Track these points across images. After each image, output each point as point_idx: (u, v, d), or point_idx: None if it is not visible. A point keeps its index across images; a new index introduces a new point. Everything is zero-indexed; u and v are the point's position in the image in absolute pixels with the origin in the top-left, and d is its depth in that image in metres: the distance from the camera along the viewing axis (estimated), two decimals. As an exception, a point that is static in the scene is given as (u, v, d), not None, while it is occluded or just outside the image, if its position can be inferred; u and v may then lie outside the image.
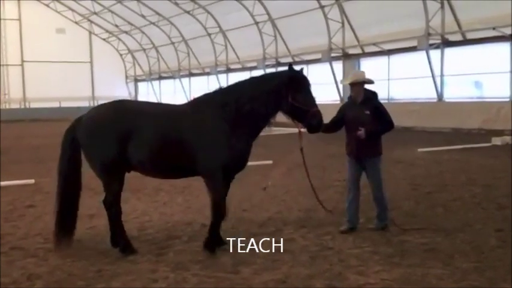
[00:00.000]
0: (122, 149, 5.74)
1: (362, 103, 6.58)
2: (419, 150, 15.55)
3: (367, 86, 6.76)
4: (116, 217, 5.97)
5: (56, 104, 46.26)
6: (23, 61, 48.22)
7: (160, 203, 8.78)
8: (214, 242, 5.97)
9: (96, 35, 51.33)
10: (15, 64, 47.76)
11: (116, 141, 5.73)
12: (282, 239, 6.38)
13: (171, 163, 5.94)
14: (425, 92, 26.06)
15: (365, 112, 6.51)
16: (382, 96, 30.58)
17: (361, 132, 6.46)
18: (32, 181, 10.61)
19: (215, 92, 6.14)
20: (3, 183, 10.54)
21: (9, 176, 11.48)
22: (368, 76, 6.69)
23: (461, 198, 8.77)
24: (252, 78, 6.27)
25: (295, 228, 6.87)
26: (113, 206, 5.92)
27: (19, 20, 48.09)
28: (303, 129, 6.28)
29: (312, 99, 5.94)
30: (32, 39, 47.60)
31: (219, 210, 5.90)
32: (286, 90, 5.81)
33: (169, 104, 6.65)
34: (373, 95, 6.75)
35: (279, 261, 5.61)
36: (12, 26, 47.70)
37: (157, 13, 41.39)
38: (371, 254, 5.76)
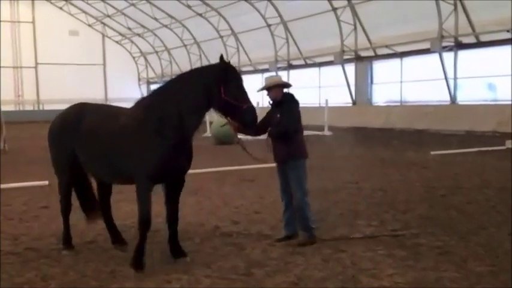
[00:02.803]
0: (71, 152, 5.90)
1: (276, 106, 6.41)
2: (433, 152, 15.44)
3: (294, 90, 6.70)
4: (64, 212, 6.26)
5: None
6: (36, 63, 48.65)
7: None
8: (139, 256, 5.42)
9: (109, 37, 51.67)
10: (29, 66, 48.21)
11: (65, 144, 5.93)
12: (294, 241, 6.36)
13: (106, 168, 5.77)
14: (438, 95, 25.93)
15: (277, 115, 6.39)
16: (395, 98, 30.68)
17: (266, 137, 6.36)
18: (46, 182, 10.68)
19: (146, 96, 5.91)
20: (17, 184, 10.64)
21: (23, 177, 11.58)
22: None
23: (475, 201, 8.69)
24: (181, 75, 5.67)
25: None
26: (61, 201, 6.24)
27: (33, 22, 48.55)
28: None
29: (245, 94, 5.43)
30: (46, 41, 48.03)
31: (142, 221, 5.40)
32: (217, 85, 5.29)
33: (118, 107, 6.19)
34: (288, 97, 6.48)
35: (291, 264, 5.59)
36: (26, 29, 48.18)
37: (170, 16, 41.58)
38: (384, 257, 5.73)
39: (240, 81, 5.46)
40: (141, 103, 5.70)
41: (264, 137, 6.47)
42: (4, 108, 25.82)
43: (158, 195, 8.23)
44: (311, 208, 6.48)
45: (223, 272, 5.35)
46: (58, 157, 6.14)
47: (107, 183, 6.28)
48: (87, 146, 5.78)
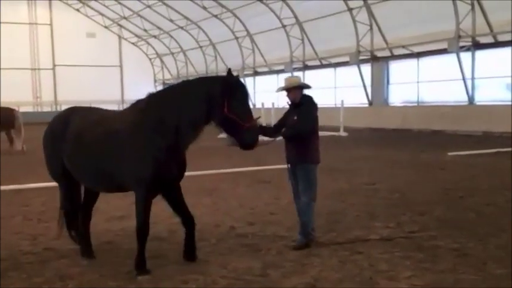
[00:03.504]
0: (60, 158, 5.74)
1: (295, 108, 6.36)
2: (450, 154, 15.31)
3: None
4: (68, 218, 6.04)
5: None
6: (54, 65, 49.16)
7: (189, 205, 8.77)
8: (141, 263, 5.33)
9: (125, 39, 52.04)
10: (47, 68, 48.73)
11: (55, 152, 5.79)
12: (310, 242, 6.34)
13: (95, 175, 5.57)
14: (455, 95, 25.68)
15: (293, 117, 6.33)
16: (411, 99, 30.45)
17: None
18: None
19: (144, 98, 5.49)
20: (35, 184, 10.76)
21: (41, 177, 11.68)
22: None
23: (494, 203, 8.58)
24: (184, 82, 5.50)
25: (323, 232, 6.81)
26: (69, 211, 5.98)
27: (50, 24, 49.07)
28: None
29: (250, 112, 5.15)
30: (63, 43, 48.52)
31: (139, 230, 5.28)
32: (221, 99, 5.01)
33: (109, 111, 6.08)
34: (307, 99, 6.42)
35: (307, 265, 5.58)
36: (44, 31, 48.71)
37: (186, 17, 41.75)
38: (402, 259, 5.68)
39: (247, 98, 5.20)
40: (137, 106, 5.45)
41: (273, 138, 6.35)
42: (23, 109, 26.17)
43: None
44: (325, 212, 6.45)
45: (239, 273, 5.36)
46: (51, 164, 5.98)
47: (94, 191, 6.05)
48: (74, 152, 5.58)
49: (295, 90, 6.29)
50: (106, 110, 6.06)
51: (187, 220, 5.66)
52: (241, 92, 5.15)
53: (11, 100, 33.56)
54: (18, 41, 46.55)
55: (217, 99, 5.04)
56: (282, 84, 6.42)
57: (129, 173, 5.20)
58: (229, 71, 5.24)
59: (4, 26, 45.29)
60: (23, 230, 7.30)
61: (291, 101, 6.33)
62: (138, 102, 5.49)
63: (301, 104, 6.30)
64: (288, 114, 6.40)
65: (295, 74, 34.58)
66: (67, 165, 5.71)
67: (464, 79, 24.58)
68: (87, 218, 6.13)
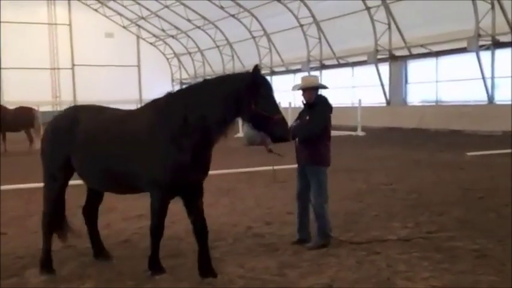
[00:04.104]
0: (66, 158, 5.49)
1: (309, 108, 6.31)
2: (469, 154, 15.13)
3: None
4: (48, 228, 5.69)
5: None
6: (73, 65, 49.63)
7: (206, 205, 8.77)
8: (154, 262, 5.32)
9: (143, 39, 52.35)
10: (66, 68, 49.23)
11: (60, 150, 5.52)
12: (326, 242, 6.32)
13: (107, 176, 5.41)
14: (475, 94, 25.38)
15: (306, 117, 6.25)
16: (430, 98, 30.13)
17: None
18: (81, 182, 10.88)
19: (162, 97, 5.35)
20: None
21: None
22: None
23: (514, 203, 8.47)
24: (208, 81, 5.36)
25: (340, 232, 6.79)
26: (46, 214, 5.70)
27: (70, 25, 49.54)
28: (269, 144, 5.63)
29: (276, 105, 5.14)
30: (82, 43, 48.94)
31: (154, 232, 5.21)
32: (248, 95, 4.96)
33: (120, 110, 5.85)
34: (322, 100, 6.40)
35: (324, 265, 5.56)
36: (63, 31, 49.21)
37: (203, 17, 41.87)
38: (420, 260, 5.64)
39: (271, 92, 5.15)
40: (155, 105, 5.30)
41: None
42: (42, 109, 26.47)
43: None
44: (328, 213, 6.44)
45: (256, 273, 5.37)
46: (51, 164, 5.64)
47: (99, 191, 5.92)
48: (85, 151, 5.39)
49: (310, 90, 6.28)
50: (114, 109, 5.88)
51: (201, 230, 5.33)
52: (265, 88, 5.07)
53: (30, 100, 33.92)
54: (37, 41, 47.10)
55: (242, 96, 4.97)
56: (299, 83, 6.40)
57: (147, 175, 5.05)
58: (256, 66, 5.13)
59: (23, 27, 45.91)
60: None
61: (306, 100, 6.33)
62: (156, 101, 5.34)
63: (316, 104, 6.28)
64: (302, 114, 6.38)
65: (313, 73, 34.52)
66: (75, 164, 5.48)
67: (483, 78, 24.29)
68: (94, 218, 6.01)
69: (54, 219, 5.68)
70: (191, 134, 4.98)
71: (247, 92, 4.97)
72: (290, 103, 24.34)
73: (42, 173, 5.76)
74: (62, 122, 5.69)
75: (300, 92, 6.38)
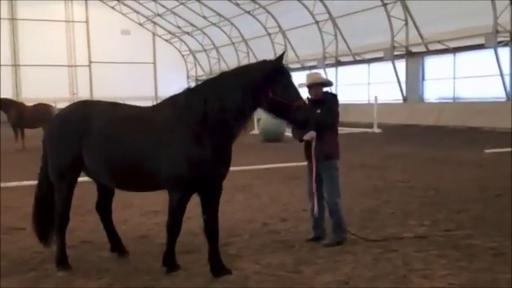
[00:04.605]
0: (76, 155, 5.32)
1: (316, 103, 6.29)
2: (487, 151, 14.97)
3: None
4: (60, 226, 5.57)
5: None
6: (90, 62, 50.04)
7: (221, 201, 8.82)
8: (170, 259, 5.30)
9: (159, 36, 52.58)
10: (83, 65, 49.64)
11: (69, 147, 5.33)
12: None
13: (124, 174, 5.29)
14: (493, 91, 25.09)
15: (316, 110, 6.21)
16: (447, 95, 29.86)
17: (308, 135, 6.12)
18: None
19: (181, 93, 5.28)
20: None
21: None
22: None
23: (533, 201, 8.37)
24: (224, 73, 5.24)
25: (356, 229, 6.76)
26: (59, 214, 5.56)
27: (87, 22, 49.93)
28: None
29: (296, 91, 5.04)
30: (99, 40, 49.30)
31: (171, 231, 5.17)
32: (265, 84, 4.88)
33: (133, 107, 5.70)
34: (329, 96, 6.47)
35: (340, 262, 5.55)
36: (80, 28, 49.61)
37: (218, 14, 41.93)
38: (437, 258, 5.60)
39: (290, 79, 5.04)
40: (174, 102, 5.24)
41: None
42: (59, 105, 26.71)
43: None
44: (342, 209, 6.45)
45: (272, 269, 5.37)
46: (59, 161, 5.43)
47: (109, 189, 5.83)
48: (101, 148, 5.23)
49: (317, 86, 6.32)
50: (125, 105, 5.80)
51: (211, 231, 5.28)
52: (284, 75, 5.00)
53: (48, 96, 34.24)
54: (55, 38, 47.56)
55: (261, 86, 4.90)
56: (304, 81, 6.44)
57: (167, 172, 4.97)
58: (282, 55, 5.08)
59: (41, 24, 46.41)
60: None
61: (313, 96, 6.35)
62: (174, 97, 5.29)
63: (324, 100, 6.33)
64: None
65: (328, 70, 34.39)
66: (88, 161, 5.33)
67: (502, 75, 24.00)
68: (109, 214, 5.98)
69: (66, 217, 5.57)
70: (212, 129, 4.93)
71: (264, 81, 4.89)
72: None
73: (49, 171, 5.56)
74: (72, 117, 5.46)
75: (306, 89, 6.42)
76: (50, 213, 5.68)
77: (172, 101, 5.27)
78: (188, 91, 5.28)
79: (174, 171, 4.96)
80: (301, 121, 5.07)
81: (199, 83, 5.54)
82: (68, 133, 5.36)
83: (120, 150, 5.18)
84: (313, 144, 6.17)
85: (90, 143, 5.25)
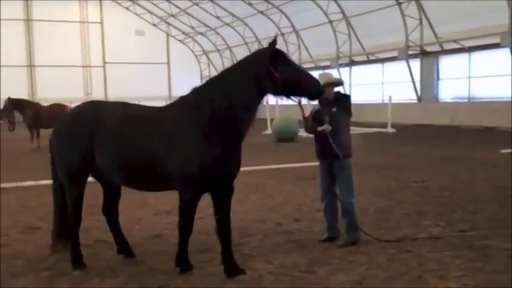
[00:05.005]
0: (87, 154, 5.30)
1: (331, 103, 6.28)
2: (503, 151, 14.82)
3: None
4: (73, 226, 5.58)
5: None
6: (104, 62, 50.37)
7: (234, 201, 8.76)
8: (183, 259, 5.32)
9: (173, 36, 52.77)
10: (97, 65, 50.00)
11: (80, 146, 5.30)
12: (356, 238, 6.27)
13: (135, 174, 5.28)
14: (508, 91, 24.79)
15: (332, 110, 6.22)
16: (462, 95, 29.56)
17: (324, 127, 6.12)
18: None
19: (189, 94, 5.29)
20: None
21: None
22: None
23: (549, 202, 8.27)
24: (225, 70, 5.26)
25: (371, 229, 6.72)
26: (72, 214, 5.55)
27: (101, 23, 50.27)
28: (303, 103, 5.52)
29: (298, 67, 5.21)
30: (113, 41, 49.61)
31: (183, 231, 5.19)
32: (268, 69, 4.92)
33: (143, 107, 5.71)
34: (341, 95, 6.52)
35: (354, 263, 5.53)
36: (94, 29, 49.97)
37: (232, 14, 41.99)
38: (452, 258, 5.56)
39: (288, 57, 5.13)
40: (183, 102, 5.26)
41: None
42: (75, 106, 26.90)
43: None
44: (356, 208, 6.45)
45: (285, 269, 5.37)
46: (69, 161, 5.41)
47: (116, 189, 5.86)
48: (113, 146, 5.22)
49: (330, 86, 6.32)
50: (135, 105, 5.80)
51: (224, 231, 5.28)
52: (283, 56, 5.07)
53: (63, 97, 34.53)
54: (70, 39, 47.97)
55: (267, 72, 4.93)
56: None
57: (178, 172, 4.99)
58: (274, 40, 5.04)
59: (56, 25, 46.86)
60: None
61: (327, 96, 6.34)
62: (183, 98, 5.32)
63: (338, 99, 6.37)
64: (321, 111, 6.33)
65: (341, 70, 34.28)
66: (100, 162, 5.31)
67: (517, 74, 23.76)
68: (115, 216, 5.99)
69: (78, 217, 5.58)
70: (221, 128, 4.95)
71: (268, 65, 4.92)
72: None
73: (58, 172, 5.57)
74: (82, 117, 5.43)
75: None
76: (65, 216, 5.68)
77: (182, 101, 5.30)
78: (195, 91, 5.28)
79: (184, 172, 4.97)
80: (316, 93, 5.17)
81: (203, 82, 5.51)
82: (78, 133, 5.33)
83: (132, 149, 5.17)
84: (330, 139, 6.14)
85: (102, 142, 5.24)
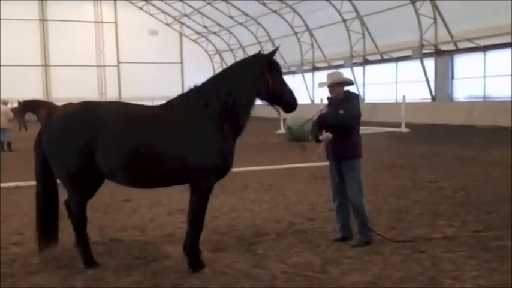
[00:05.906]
0: (88, 155, 5.19)
1: (339, 104, 6.22)
2: (519, 151, 14.66)
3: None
4: (79, 228, 5.51)
5: (148, 103, 47.79)
6: (118, 62, 50.71)
7: (248, 200, 8.89)
8: (196, 258, 5.40)
9: (186, 36, 53.00)
10: (111, 65, 50.36)
11: (81, 148, 5.19)
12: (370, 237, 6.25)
13: (146, 171, 5.29)
14: (524, 90, 24.61)
15: (339, 112, 6.15)
16: (477, 94, 29.33)
17: (324, 135, 6.10)
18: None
19: (191, 92, 5.49)
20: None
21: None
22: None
23: None
24: (226, 70, 5.77)
25: (384, 229, 6.69)
26: (76, 216, 5.49)
27: (115, 22, 50.64)
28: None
29: (283, 79, 5.65)
30: (127, 41, 49.98)
31: (195, 221, 5.37)
32: (266, 75, 5.44)
33: (140, 106, 5.74)
34: (350, 95, 6.40)
35: (368, 263, 5.50)
36: (109, 29, 50.35)
37: (245, 13, 42.05)
38: (467, 259, 5.51)
39: (281, 69, 5.69)
40: (192, 102, 5.40)
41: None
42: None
43: (231, 189, 8.24)
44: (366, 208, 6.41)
45: (299, 268, 5.36)
46: (68, 162, 5.27)
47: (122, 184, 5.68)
48: (117, 144, 5.16)
49: (338, 86, 6.30)
50: (135, 104, 5.83)
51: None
52: (278, 66, 5.61)
53: (77, 96, 34.78)
54: (84, 39, 48.38)
55: (265, 78, 5.43)
56: (325, 80, 6.41)
57: (194, 165, 5.18)
58: (275, 50, 5.66)
59: (71, 25, 47.32)
60: (90, 221, 7.48)
61: (334, 96, 6.32)
62: (184, 96, 5.54)
63: (346, 98, 6.31)
64: (326, 113, 6.29)
65: (355, 69, 34.17)
66: (103, 160, 5.20)
67: (534, 73, 23.52)
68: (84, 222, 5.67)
69: (83, 219, 5.52)
70: (228, 121, 5.34)
71: (265, 71, 5.44)
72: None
73: (57, 174, 5.48)
74: (79, 117, 5.33)
75: (326, 88, 6.40)
76: (50, 218, 5.71)
77: (186, 100, 5.50)
78: (198, 90, 5.51)
79: (206, 162, 5.24)
80: (291, 107, 5.60)
81: (204, 81, 5.66)
82: (77, 134, 5.22)
83: (141, 147, 5.17)
84: (323, 145, 6.19)
85: (106, 141, 5.16)
